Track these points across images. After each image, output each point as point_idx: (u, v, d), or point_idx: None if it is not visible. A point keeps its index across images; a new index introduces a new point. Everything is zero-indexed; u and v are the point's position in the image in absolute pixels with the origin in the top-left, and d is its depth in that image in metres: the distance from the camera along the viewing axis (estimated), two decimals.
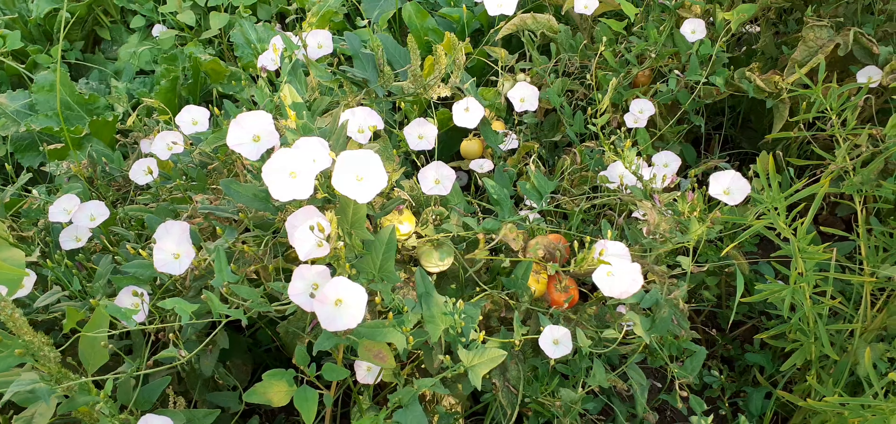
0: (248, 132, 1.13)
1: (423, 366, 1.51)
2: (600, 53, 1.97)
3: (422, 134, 1.48)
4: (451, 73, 1.56)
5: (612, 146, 1.49)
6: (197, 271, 1.30)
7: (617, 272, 1.24)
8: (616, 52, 2.01)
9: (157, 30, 2.62)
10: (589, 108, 2.03)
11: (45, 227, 1.63)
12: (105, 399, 1.14)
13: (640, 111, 1.81)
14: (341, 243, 1.10)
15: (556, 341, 1.30)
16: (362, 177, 1.09)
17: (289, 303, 1.21)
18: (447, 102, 1.71)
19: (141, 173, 1.58)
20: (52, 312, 1.41)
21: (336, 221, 1.08)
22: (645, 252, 1.42)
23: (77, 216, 1.50)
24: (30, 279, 1.39)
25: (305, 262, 1.11)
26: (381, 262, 1.19)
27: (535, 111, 2.01)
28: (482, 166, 1.84)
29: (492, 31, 2.13)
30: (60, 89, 2.37)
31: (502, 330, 1.49)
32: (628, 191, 1.56)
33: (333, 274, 1.14)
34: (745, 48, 2.26)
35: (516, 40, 2.26)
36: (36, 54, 2.57)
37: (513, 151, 1.95)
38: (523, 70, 2.06)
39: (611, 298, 1.27)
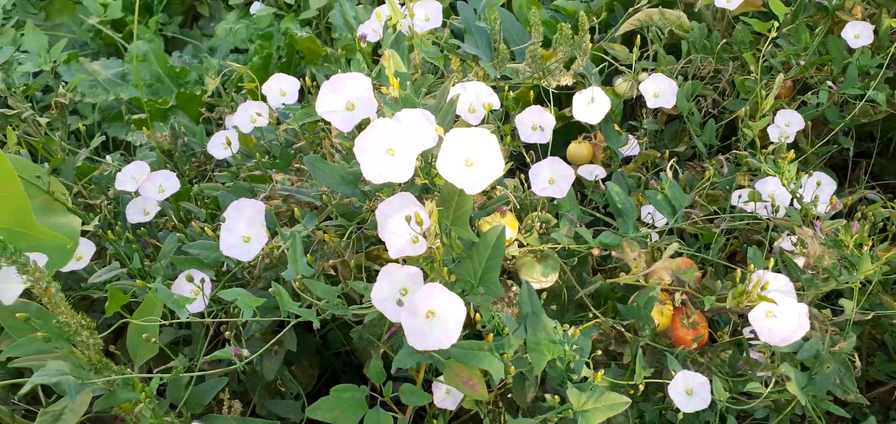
0: (341, 98, 0.91)
1: (509, 395, 1.25)
2: (740, 57, 1.68)
3: (537, 124, 1.23)
4: (577, 57, 1.30)
5: (766, 158, 1.20)
6: (268, 259, 1.09)
7: (780, 313, 0.96)
8: (757, 55, 1.71)
9: (256, 7, 2.47)
10: (721, 117, 1.75)
11: (115, 197, 1.46)
12: (149, 398, 0.94)
13: (787, 124, 1.51)
14: (439, 243, 0.87)
15: (689, 391, 1.03)
16: (473, 162, 0.86)
17: (369, 307, 0.99)
18: (562, 95, 1.45)
19: (219, 145, 1.39)
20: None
21: (436, 212, 0.85)
22: (802, 290, 1.13)
23: (145, 186, 1.32)
24: (88, 250, 1.22)
25: (396, 261, 0.88)
26: (483, 270, 0.95)
27: (656, 117, 1.73)
28: (592, 173, 1.58)
29: (611, 30, 1.86)
30: (152, 60, 2.25)
31: (612, 367, 1.22)
32: (777, 214, 1.26)
33: (426, 279, 0.91)
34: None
35: (640, 39, 1.98)
36: (133, 24, 2.46)
37: (628, 160, 1.68)
38: (645, 70, 1.78)
39: (767, 344, 0.99)
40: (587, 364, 1.03)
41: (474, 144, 0.86)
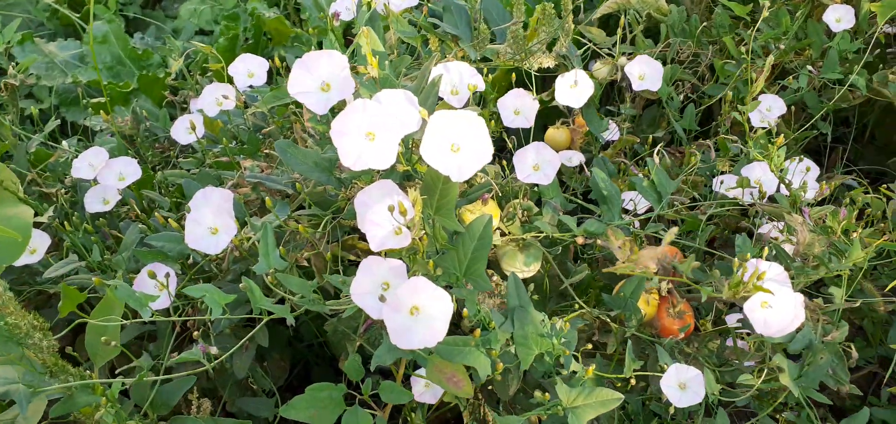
0: (315, 78, 0.84)
1: (489, 387, 1.20)
2: (718, 41, 1.64)
3: (519, 108, 1.17)
4: (559, 38, 1.25)
5: (754, 144, 1.16)
6: (237, 251, 1.01)
7: (776, 303, 0.92)
8: (736, 39, 1.67)
9: None
10: (700, 102, 1.71)
11: (73, 185, 1.37)
12: (110, 403, 0.87)
13: (769, 109, 1.47)
14: (423, 233, 0.80)
15: (682, 384, 0.98)
16: (459, 147, 0.79)
17: (348, 303, 0.92)
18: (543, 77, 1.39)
19: (183, 130, 1.31)
20: (67, 284, 1.14)
21: (420, 201, 0.79)
22: (792, 278, 1.09)
23: (104, 174, 1.23)
24: (42, 243, 1.13)
25: (377, 253, 0.81)
26: (469, 262, 0.89)
27: (634, 101, 1.69)
28: (571, 159, 1.52)
29: (588, 13, 1.81)
30: (112, 41, 2.13)
31: (597, 358, 1.17)
32: (764, 201, 1.23)
33: (409, 273, 0.85)
34: (879, 50, 1.89)
35: (616, 21, 1.93)
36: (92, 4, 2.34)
37: (606, 146, 1.63)
38: (624, 54, 1.73)
39: (763, 335, 0.94)
40: (575, 358, 0.98)
41: (460, 127, 0.79)
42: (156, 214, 1.06)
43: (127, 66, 2.15)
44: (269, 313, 0.90)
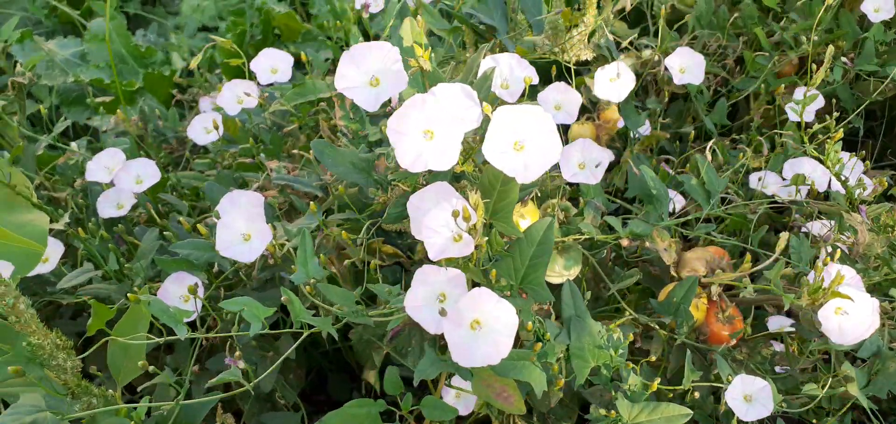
0: (364, 72, 0.76)
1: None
2: (746, 32, 1.58)
3: (560, 103, 1.10)
4: (596, 31, 1.17)
5: (808, 140, 1.09)
6: (271, 258, 0.94)
7: (853, 309, 0.85)
8: (767, 31, 1.61)
9: None
10: (729, 97, 1.64)
11: (83, 188, 1.28)
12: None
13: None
14: (484, 237, 0.73)
15: (748, 397, 0.91)
16: (524, 144, 0.72)
17: (391, 314, 0.85)
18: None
19: (202, 130, 1.22)
20: (81, 294, 1.06)
21: (481, 205, 0.71)
22: None
23: (120, 177, 1.15)
24: (56, 251, 1.04)
25: (433, 262, 0.73)
26: (526, 269, 0.81)
27: (658, 96, 1.62)
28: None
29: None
30: (115, 39, 2.04)
31: (643, 366, 1.10)
32: (821, 199, 1.16)
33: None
34: None
35: (634, 14, 1.86)
36: (92, 1, 2.24)
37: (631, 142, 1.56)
38: (647, 47, 1.66)
39: (836, 344, 0.87)
40: (636, 371, 0.91)
41: (526, 123, 0.72)
42: (180, 219, 0.98)
43: (130, 64, 2.06)
44: (310, 326, 0.82)
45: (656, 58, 1.56)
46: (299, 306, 0.81)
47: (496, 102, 0.91)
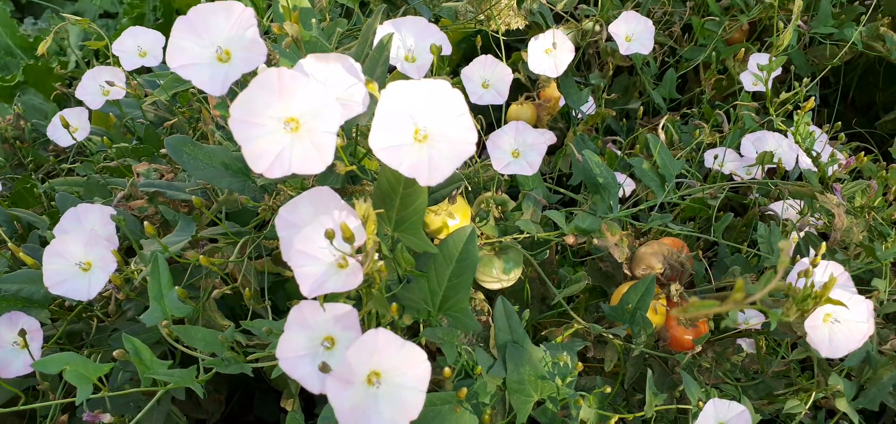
0: (207, 42, 0.54)
1: None
2: None
3: (488, 80, 0.90)
4: None
5: (773, 111, 0.92)
6: (121, 292, 0.71)
7: (845, 316, 0.68)
8: None
9: None
10: (678, 67, 1.47)
11: None
12: None
13: (761, 69, 1.24)
14: (380, 261, 0.53)
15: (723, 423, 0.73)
16: (427, 133, 0.52)
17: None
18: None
19: (61, 129, 0.99)
20: None
21: (374, 217, 0.51)
22: None
23: None
24: None
25: (313, 298, 0.53)
26: (445, 291, 0.62)
27: (601, 69, 1.44)
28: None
29: None
30: None
31: (597, 380, 0.92)
32: (789, 178, 0.99)
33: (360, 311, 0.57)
34: (856, 1, 1.68)
35: None
36: None
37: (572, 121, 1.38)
38: (587, 16, 1.47)
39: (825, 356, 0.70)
40: (588, 401, 0.72)
41: (427, 103, 0.51)
42: (9, 244, 0.75)
43: (16, 56, 1.79)
44: (165, 383, 0.60)
45: (597, 27, 1.38)
46: (148, 357, 0.60)
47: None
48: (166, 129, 1.00)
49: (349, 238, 0.48)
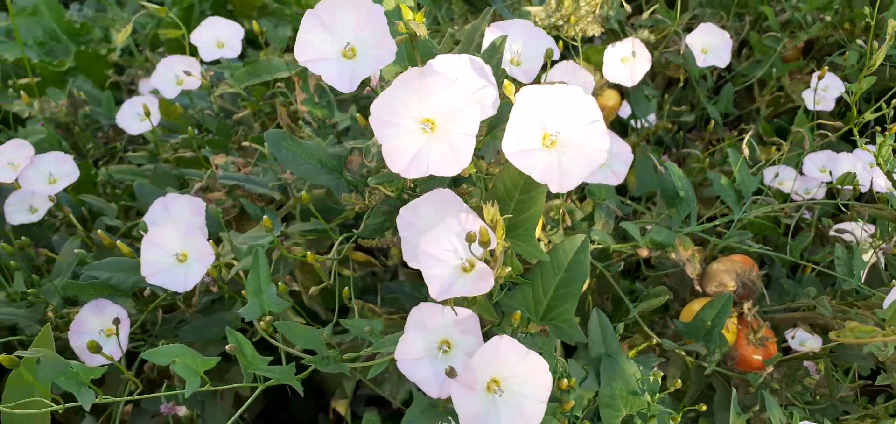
0: (335, 38, 0.54)
1: None
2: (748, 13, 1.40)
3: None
4: (604, 2, 0.97)
5: (857, 132, 0.91)
6: (214, 285, 0.71)
7: None
8: (777, 10, 1.43)
9: None
10: (735, 82, 1.46)
11: None
12: None
13: (825, 89, 1.23)
14: (508, 268, 0.52)
15: None
16: (556, 139, 0.51)
17: (374, 359, 0.64)
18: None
19: (133, 116, 0.99)
20: None
21: (502, 222, 0.50)
22: None
23: (28, 175, 0.90)
24: None
25: (440, 302, 0.52)
26: (550, 300, 0.61)
27: (653, 81, 1.43)
28: None
29: None
30: (44, 13, 1.77)
31: (666, 399, 0.91)
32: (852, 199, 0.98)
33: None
34: None
35: None
36: None
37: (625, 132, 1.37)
38: (643, 27, 1.46)
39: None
40: (675, 419, 0.71)
41: (560, 109, 0.51)
42: (99, 232, 0.75)
43: (63, 42, 1.79)
44: (266, 379, 0.60)
45: (653, 38, 1.37)
46: (251, 353, 0.60)
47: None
48: (236, 122, 1.00)
49: (486, 243, 0.47)
